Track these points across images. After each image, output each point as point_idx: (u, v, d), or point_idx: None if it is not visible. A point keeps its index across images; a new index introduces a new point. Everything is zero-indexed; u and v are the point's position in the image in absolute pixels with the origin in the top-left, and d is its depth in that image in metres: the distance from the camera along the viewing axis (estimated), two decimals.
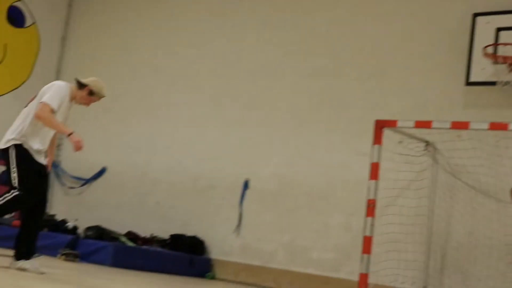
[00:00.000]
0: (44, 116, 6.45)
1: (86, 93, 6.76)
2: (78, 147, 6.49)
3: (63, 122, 6.69)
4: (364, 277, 8.51)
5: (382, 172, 8.72)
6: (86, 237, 10.40)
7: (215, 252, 11.07)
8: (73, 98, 6.81)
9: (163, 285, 7.85)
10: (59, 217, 11.18)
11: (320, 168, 10.45)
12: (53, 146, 6.93)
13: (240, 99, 11.38)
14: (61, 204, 12.63)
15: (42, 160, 6.60)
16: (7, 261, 6.58)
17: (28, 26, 12.97)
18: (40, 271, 6.47)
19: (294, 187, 10.63)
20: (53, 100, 6.54)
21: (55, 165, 12.99)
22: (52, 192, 12.57)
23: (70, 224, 10.79)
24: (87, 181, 12.39)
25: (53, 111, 6.50)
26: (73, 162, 12.60)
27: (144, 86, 12.41)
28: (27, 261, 6.53)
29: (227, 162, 11.26)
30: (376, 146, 8.65)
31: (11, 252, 6.65)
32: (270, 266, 10.54)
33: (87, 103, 6.87)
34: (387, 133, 8.76)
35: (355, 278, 8.80)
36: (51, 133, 6.68)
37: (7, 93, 12.71)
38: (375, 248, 8.65)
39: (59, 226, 10.75)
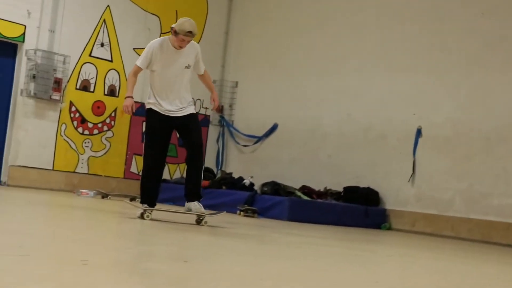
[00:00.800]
0: (128, 75, 7.30)
1: (173, 35, 6.90)
2: (123, 110, 6.94)
3: (165, 70, 6.98)
4: None
5: None
6: (263, 193, 10.67)
7: (390, 202, 11.01)
8: (174, 46, 6.99)
9: (341, 236, 7.92)
10: (235, 175, 11.55)
11: (497, 111, 10.04)
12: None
13: (407, 44, 11.11)
14: (237, 163, 13.06)
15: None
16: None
17: None
18: (201, 211, 6.83)
19: (469, 131, 10.29)
20: (139, 59, 7.09)
21: (228, 124, 13.41)
22: (227, 151, 13.02)
23: (246, 181, 11.10)
24: (259, 139, 12.69)
25: (138, 69, 7.07)
26: (245, 121, 12.95)
27: (310, 40, 12.44)
28: (191, 202, 6.91)
29: (398, 110, 11.08)
30: None
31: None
32: (448, 214, 10.33)
33: (178, 45, 6.92)
34: None
35: None
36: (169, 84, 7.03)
37: None
38: None
39: (236, 184, 11.10)
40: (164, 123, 6.97)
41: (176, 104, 7.03)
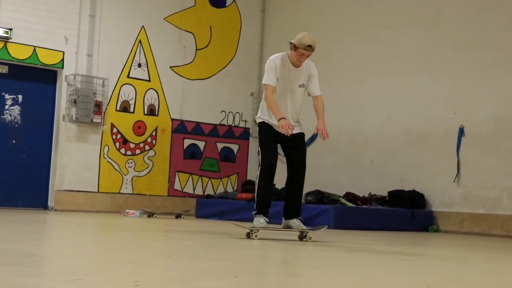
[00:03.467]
0: (265, 96, 7.00)
1: (292, 49, 6.87)
2: (284, 132, 6.77)
3: (281, 86, 6.95)
4: None
5: None
6: (307, 202, 10.65)
7: (436, 204, 10.90)
8: (292, 63, 6.97)
9: (389, 242, 7.87)
10: (279, 186, 11.54)
11: None
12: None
13: (445, 42, 11.02)
14: (279, 174, 13.01)
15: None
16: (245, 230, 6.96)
17: (229, 5, 13.43)
18: (301, 228, 6.92)
19: None
20: (265, 79, 6.98)
21: None
22: None
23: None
24: None
25: (272, 87, 6.91)
26: None
27: (346, 45, 12.42)
28: (291, 220, 7.02)
29: (439, 110, 10.99)
30: None
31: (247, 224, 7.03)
32: (496, 213, 10.19)
33: (297, 59, 6.87)
34: None
35: None
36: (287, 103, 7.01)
37: (217, 72, 13.30)
38: None
39: (281, 195, 11.06)
40: (275, 135, 7.02)
41: (292, 121, 7.03)
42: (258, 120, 7.21)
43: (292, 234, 7.19)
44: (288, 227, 7.03)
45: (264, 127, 7.12)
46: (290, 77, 7.01)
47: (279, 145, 7.19)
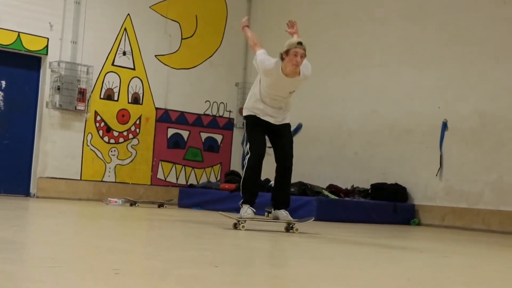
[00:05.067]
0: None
1: (284, 57, 6.72)
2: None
3: (271, 89, 6.91)
4: None
5: None
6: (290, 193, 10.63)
7: (418, 197, 10.95)
8: (286, 73, 6.81)
9: (370, 234, 7.90)
10: (262, 177, 11.51)
11: None
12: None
13: (431, 36, 11.03)
14: (262, 164, 13.02)
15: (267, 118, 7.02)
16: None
17: None
18: (289, 219, 6.97)
19: (497, 122, 10.19)
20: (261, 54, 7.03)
21: None
22: None
23: (273, 183, 11.06)
24: None
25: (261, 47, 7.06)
26: None
27: (332, 38, 12.41)
28: (279, 211, 7.06)
29: (423, 104, 11.02)
30: None
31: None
32: (478, 207, 10.24)
33: (292, 64, 6.68)
34: None
35: None
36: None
37: (202, 62, 13.27)
38: None
39: (264, 186, 11.08)
40: (262, 126, 7.02)
41: (274, 113, 7.02)
42: (244, 113, 7.19)
43: (278, 225, 7.19)
44: (276, 217, 7.03)
45: (251, 119, 7.10)
46: (282, 84, 6.89)
47: (267, 138, 7.18)
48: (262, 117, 7.02)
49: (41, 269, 3.46)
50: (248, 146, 7.14)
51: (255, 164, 6.99)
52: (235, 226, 6.74)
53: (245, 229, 6.69)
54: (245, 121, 7.25)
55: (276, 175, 7.18)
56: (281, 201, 7.12)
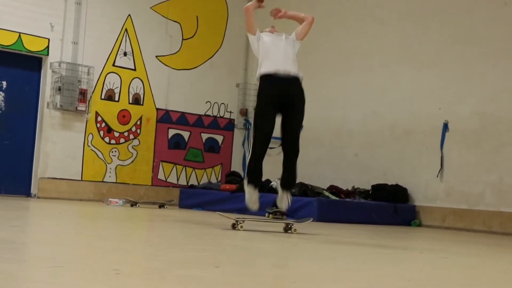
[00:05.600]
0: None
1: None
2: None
3: (273, 42, 7.14)
4: None
5: None
6: (291, 194, 10.63)
7: (419, 198, 10.95)
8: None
9: (371, 235, 7.90)
10: (262, 178, 11.51)
11: None
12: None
13: (432, 37, 11.03)
14: (263, 165, 13.02)
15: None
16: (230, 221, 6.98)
17: None
18: (285, 220, 7.22)
19: (498, 123, 10.19)
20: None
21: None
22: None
23: (274, 184, 11.06)
24: None
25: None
26: None
27: (332, 39, 12.41)
28: (285, 193, 7.05)
29: (423, 105, 11.02)
30: None
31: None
32: (478, 208, 10.24)
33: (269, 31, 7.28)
34: None
35: None
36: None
37: (203, 62, 13.27)
38: None
39: (264, 187, 11.07)
40: (276, 98, 6.91)
41: (283, 60, 7.04)
42: (259, 74, 7.04)
43: (277, 226, 7.19)
44: (276, 206, 7.06)
45: (265, 85, 6.97)
46: (273, 40, 7.18)
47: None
48: (273, 73, 6.91)
49: (42, 269, 3.46)
50: (255, 122, 7.02)
51: (261, 144, 6.90)
52: (233, 227, 6.75)
53: (246, 230, 6.70)
54: (258, 87, 7.08)
55: (285, 152, 7.04)
56: (287, 179, 7.05)
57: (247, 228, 6.79)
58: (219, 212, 7.22)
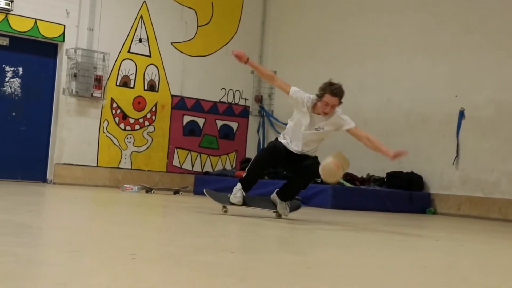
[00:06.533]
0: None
1: (318, 99, 6.73)
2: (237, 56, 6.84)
3: (299, 126, 6.78)
4: None
5: None
6: None
7: (434, 186, 10.91)
8: (316, 110, 6.79)
9: (386, 222, 7.89)
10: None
11: None
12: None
13: (447, 25, 10.96)
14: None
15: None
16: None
17: None
18: (285, 214, 6.83)
19: None
20: (295, 88, 6.83)
21: (268, 114, 13.43)
22: (268, 141, 13.03)
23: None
24: None
25: (287, 88, 6.83)
26: (285, 110, 12.90)
27: (348, 26, 12.36)
28: (281, 202, 6.83)
29: (439, 93, 10.96)
30: None
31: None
32: (494, 196, 10.19)
33: (323, 110, 6.74)
34: None
35: None
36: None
37: (218, 49, 13.25)
38: None
39: (279, 174, 11.09)
40: (286, 151, 6.73)
41: (301, 149, 6.79)
42: (281, 135, 6.92)
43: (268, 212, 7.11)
44: (274, 201, 6.89)
45: (279, 143, 6.81)
46: (302, 121, 6.76)
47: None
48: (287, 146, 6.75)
49: (58, 253, 3.48)
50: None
51: (268, 153, 6.76)
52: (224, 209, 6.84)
53: (260, 217, 6.69)
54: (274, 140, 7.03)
55: (296, 177, 6.88)
56: (287, 195, 6.84)
57: (263, 215, 6.78)
58: (207, 190, 7.11)
